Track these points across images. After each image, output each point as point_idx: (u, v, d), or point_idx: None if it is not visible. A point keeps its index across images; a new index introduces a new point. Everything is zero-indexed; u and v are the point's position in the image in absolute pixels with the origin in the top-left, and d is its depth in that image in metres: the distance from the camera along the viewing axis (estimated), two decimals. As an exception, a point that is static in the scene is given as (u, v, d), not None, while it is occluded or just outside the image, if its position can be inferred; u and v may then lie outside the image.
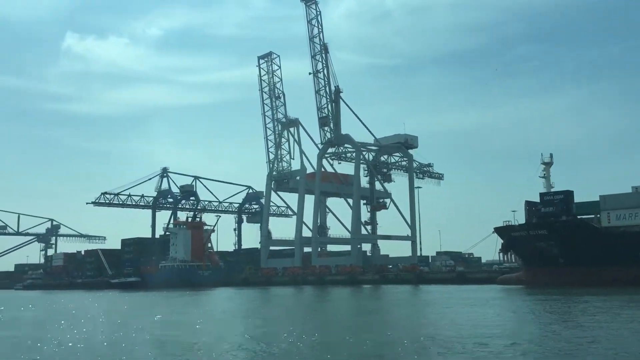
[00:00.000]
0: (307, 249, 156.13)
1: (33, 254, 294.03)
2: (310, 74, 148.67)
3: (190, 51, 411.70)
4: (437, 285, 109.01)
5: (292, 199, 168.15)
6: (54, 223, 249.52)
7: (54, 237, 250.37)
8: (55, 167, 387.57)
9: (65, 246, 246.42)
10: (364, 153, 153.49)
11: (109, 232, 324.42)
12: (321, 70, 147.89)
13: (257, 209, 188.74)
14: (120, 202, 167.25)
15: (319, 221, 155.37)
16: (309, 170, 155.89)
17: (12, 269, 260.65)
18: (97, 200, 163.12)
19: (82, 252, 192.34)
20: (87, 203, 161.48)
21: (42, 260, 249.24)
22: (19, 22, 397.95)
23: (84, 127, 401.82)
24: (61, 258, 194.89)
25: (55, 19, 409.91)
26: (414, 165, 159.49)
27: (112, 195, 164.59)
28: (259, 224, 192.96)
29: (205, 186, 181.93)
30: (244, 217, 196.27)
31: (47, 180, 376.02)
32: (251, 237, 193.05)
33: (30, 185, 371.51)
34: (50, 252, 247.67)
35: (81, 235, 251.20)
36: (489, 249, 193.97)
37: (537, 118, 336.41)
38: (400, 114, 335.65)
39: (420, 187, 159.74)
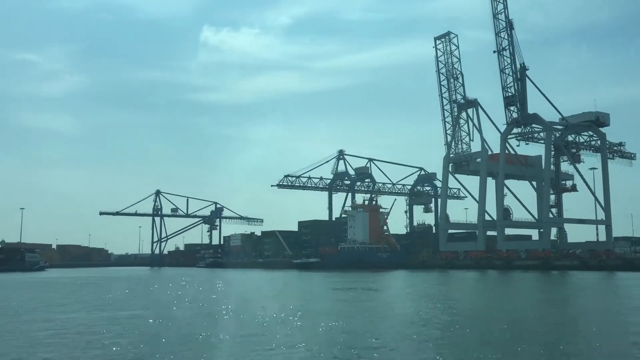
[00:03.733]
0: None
1: (195, 235, 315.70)
2: (494, 52, 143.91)
3: (319, 37, 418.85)
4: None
5: (466, 181, 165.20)
6: (218, 206, 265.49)
7: (217, 219, 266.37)
8: (203, 153, 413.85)
9: (228, 228, 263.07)
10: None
11: (283, 214, 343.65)
12: (506, 47, 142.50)
13: (430, 191, 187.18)
14: (301, 185, 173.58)
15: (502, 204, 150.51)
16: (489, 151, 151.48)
17: (180, 248, 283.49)
18: (280, 183, 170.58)
19: (259, 234, 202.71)
20: (271, 185, 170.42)
21: (208, 240, 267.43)
22: (163, 20, 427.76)
23: (221, 114, 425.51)
24: (239, 238, 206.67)
25: (193, 14, 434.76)
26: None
27: (293, 178, 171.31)
28: (423, 206, 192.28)
29: (379, 168, 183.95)
30: (406, 198, 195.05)
31: (202, 165, 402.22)
32: (415, 218, 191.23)
33: (194, 170, 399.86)
34: (215, 233, 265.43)
35: (241, 218, 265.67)
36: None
37: None
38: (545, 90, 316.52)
39: (596, 168, 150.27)
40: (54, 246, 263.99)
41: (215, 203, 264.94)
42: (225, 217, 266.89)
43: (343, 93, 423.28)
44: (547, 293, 60.13)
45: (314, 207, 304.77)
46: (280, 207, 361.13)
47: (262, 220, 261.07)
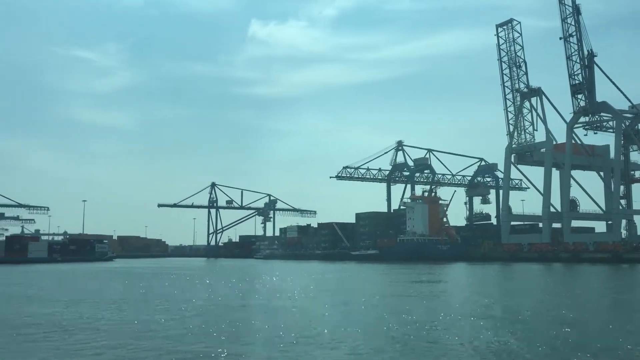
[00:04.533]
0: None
1: (248, 227, 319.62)
2: (560, 38, 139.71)
3: (365, 28, 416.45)
4: None
5: (528, 171, 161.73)
6: (271, 198, 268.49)
7: (271, 211, 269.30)
8: (252, 146, 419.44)
9: (280, 219, 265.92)
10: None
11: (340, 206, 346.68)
12: (573, 34, 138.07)
13: (491, 182, 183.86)
14: (360, 176, 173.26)
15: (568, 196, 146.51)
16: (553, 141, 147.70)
17: (233, 240, 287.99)
18: (339, 174, 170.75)
19: (314, 225, 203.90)
20: (330, 177, 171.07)
21: (262, 232, 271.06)
22: (212, 15, 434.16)
23: (269, 107, 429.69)
24: (295, 230, 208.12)
25: (241, 8, 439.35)
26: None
27: (352, 169, 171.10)
28: (480, 197, 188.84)
29: (438, 159, 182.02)
30: (464, 189, 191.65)
31: (253, 158, 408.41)
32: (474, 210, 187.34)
33: (246, 162, 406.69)
34: (269, 225, 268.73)
35: (294, 210, 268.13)
36: None
37: None
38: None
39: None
40: (114, 237, 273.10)
41: (269, 195, 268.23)
42: (279, 209, 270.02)
43: (394, 84, 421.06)
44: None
45: (368, 198, 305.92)
46: (332, 199, 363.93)
47: (315, 212, 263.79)
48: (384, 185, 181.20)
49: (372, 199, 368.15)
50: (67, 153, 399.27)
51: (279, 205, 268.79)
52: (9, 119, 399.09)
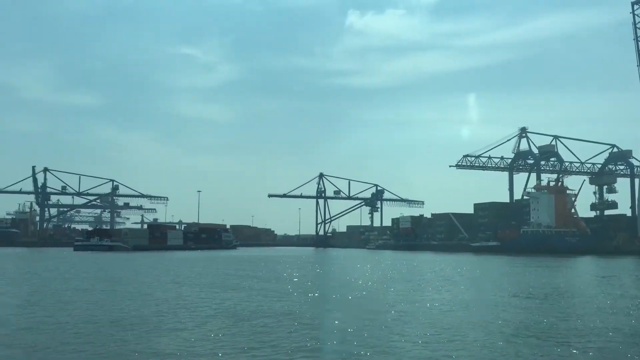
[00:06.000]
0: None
1: (354, 217, 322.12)
2: None
3: (466, 14, 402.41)
4: None
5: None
6: (379, 188, 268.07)
7: (378, 201, 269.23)
8: (352, 136, 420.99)
9: (387, 210, 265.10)
10: None
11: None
12: None
13: (624, 170, 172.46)
14: (481, 165, 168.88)
15: None
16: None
17: (337, 230, 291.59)
18: (459, 163, 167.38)
19: (427, 216, 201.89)
20: (450, 166, 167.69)
21: (369, 222, 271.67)
22: (307, 7, 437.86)
23: (368, 98, 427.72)
24: (408, 221, 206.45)
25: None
26: None
27: (473, 158, 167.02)
28: (606, 186, 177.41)
29: (565, 145, 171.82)
30: (587, 177, 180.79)
31: (356, 148, 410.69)
32: (589, 199, 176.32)
33: (350, 153, 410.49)
34: (376, 215, 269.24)
35: (401, 200, 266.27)
36: None
37: None
38: None
39: None
40: (228, 226, 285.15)
41: (376, 185, 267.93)
42: (386, 199, 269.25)
43: (502, 69, 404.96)
44: None
45: (483, 188, 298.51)
46: (441, 189, 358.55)
47: (422, 203, 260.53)
48: (504, 174, 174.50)
49: (489, 188, 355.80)
50: (177, 146, 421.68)
51: (386, 195, 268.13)
52: (127, 114, 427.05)
